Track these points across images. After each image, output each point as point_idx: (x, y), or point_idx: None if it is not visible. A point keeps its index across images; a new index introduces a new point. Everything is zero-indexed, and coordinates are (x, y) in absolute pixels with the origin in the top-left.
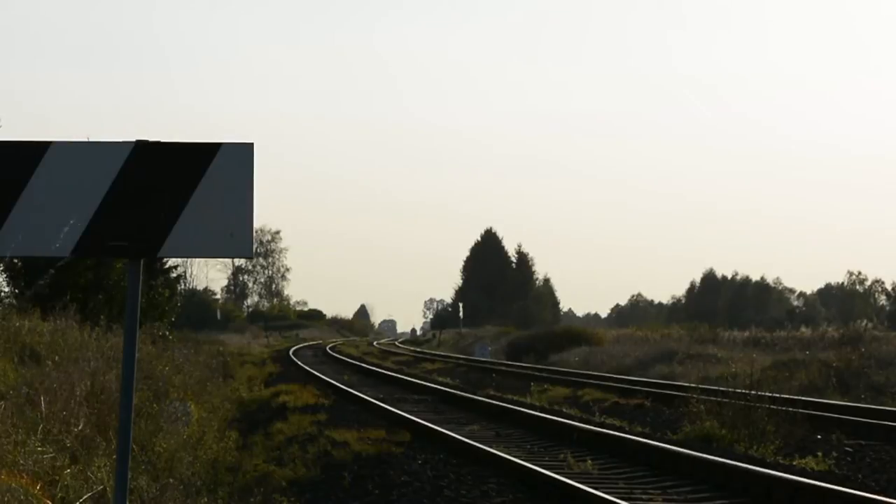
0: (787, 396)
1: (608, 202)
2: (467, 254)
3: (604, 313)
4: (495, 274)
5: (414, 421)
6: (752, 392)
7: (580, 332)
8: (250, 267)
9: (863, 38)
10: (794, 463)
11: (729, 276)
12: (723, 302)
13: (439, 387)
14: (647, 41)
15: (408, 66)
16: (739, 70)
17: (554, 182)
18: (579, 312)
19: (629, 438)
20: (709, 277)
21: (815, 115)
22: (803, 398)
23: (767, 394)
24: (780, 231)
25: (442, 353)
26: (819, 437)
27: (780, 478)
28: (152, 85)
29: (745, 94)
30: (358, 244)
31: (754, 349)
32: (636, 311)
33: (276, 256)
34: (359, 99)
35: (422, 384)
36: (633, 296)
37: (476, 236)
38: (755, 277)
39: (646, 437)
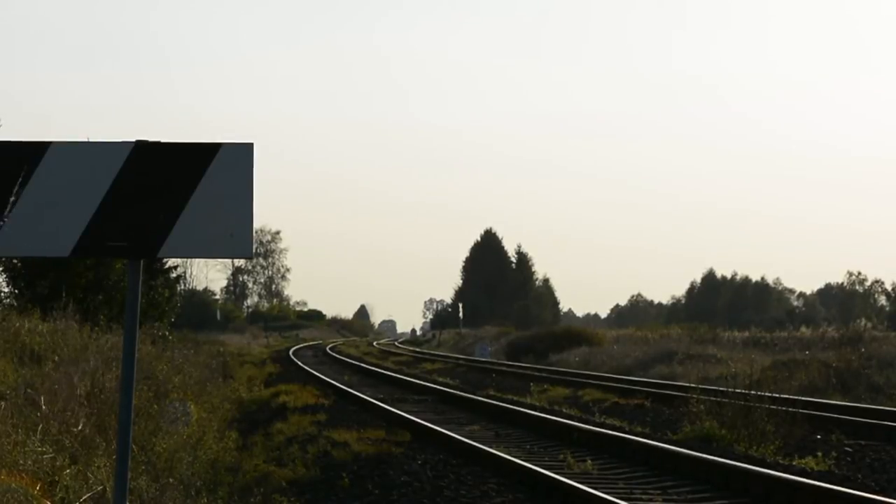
0: (786, 396)
1: (608, 202)
2: (467, 254)
3: (603, 313)
4: (495, 274)
5: (414, 421)
6: (752, 392)
7: (580, 332)
8: (250, 267)
9: (863, 38)
10: (794, 463)
11: (729, 277)
12: (723, 302)
13: (439, 387)
14: (647, 41)
15: (408, 66)
16: (739, 70)
17: (554, 182)
18: (579, 313)
19: (629, 438)
20: (709, 277)
21: (814, 115)
22: (803, 398)
23: (767, 394)
24: (780, 231)
25: (442, 354)
26: (819, 437)
27: (780, 478)
28: (152, 85)
29: (745, 94)
30: (358, 244)
31: (754, 349)
32: (636, 312)
33: (276, 256)
34: (359, 99)
35: (422, 384)
36: (632, 296)
37: (476, 236)
38: (755, 277)
39: (646, 437)
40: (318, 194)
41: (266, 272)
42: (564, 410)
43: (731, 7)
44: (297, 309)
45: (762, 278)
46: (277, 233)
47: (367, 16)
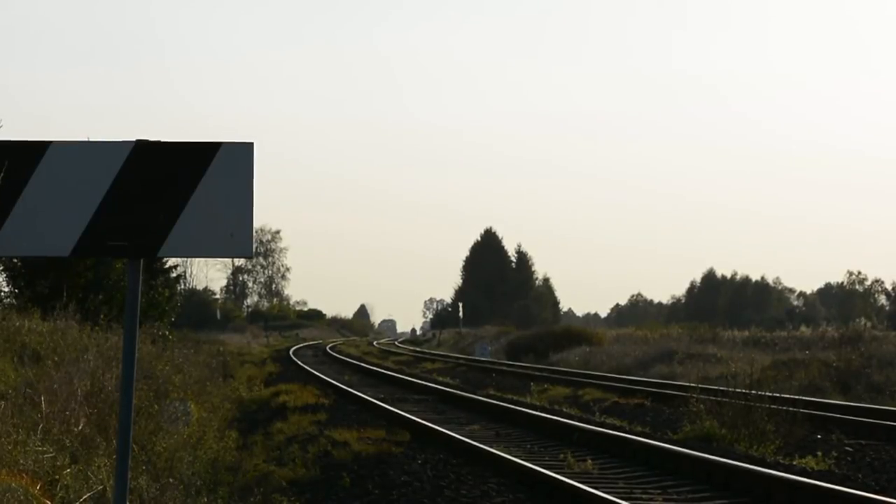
0: (787, 396)
1: (608, 202)
2: (467, 254)
3: (604, 313)
4: (495, 274)
5: (414, 421)
6: (752, 392)
7: (580, 331)
8: (250, 267)
9: (863, 38)
10: (794, 463)
11: (729, 276)
12: (723, 302)
13: (439, 386)
14: (647, 41)
15: (409, 65)
16: (739, 70)
17: (554, 182)
18: (579, 312)
19: (629, 438)
20: (709, 277)
21: (815, 115)
22: (803, 398)
23: (767, 393)
24: (781, 231)
25: (442, 353)
26: (819, 436)
27: (780, 477)
28: (152, 85)
29: (745, 94)
30: (358, 244)
31: (754, 349)
32: (636, 311)
33: (276, 256)
34: (360, 99)
35: (422, 384)
36: (633, 296)
37: (476, 236)
38: (755, 277)
39: (646, 437)
40: (318, 194)
41: (266, 272)
42: (565, 410)
43: (731, 7)
44: (297, 308)
45: (762, 278)
46: (277, 232)
47: (367, 16)
